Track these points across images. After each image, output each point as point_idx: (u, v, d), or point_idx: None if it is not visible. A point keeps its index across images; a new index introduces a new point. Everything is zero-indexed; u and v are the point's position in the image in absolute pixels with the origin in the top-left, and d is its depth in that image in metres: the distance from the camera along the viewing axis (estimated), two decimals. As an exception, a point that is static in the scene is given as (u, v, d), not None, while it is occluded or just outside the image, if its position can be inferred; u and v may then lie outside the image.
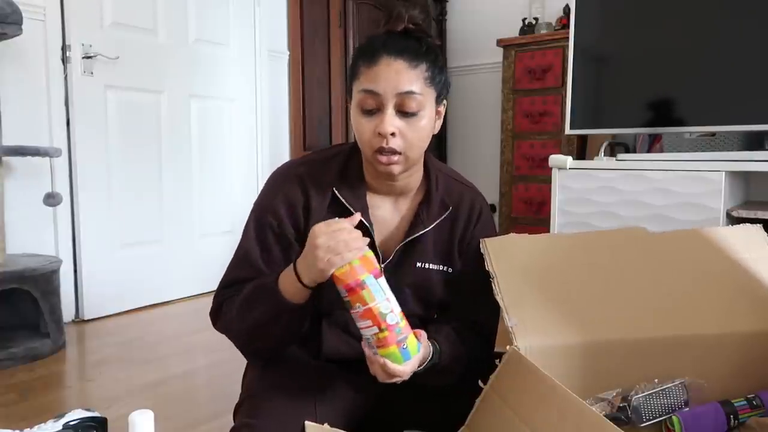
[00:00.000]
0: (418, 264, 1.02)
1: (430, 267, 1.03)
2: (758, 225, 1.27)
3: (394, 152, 0.91)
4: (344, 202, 0.97)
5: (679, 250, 1.13)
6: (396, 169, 0.94)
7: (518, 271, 1.10)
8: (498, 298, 1.05)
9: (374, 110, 0.91)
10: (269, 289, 0.90)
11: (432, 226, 1.02)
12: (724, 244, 1.22)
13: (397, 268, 1.01)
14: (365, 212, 0.98)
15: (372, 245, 0.98)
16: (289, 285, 0.89)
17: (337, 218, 0.87)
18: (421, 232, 1.01)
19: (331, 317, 1.02)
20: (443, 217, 1.03)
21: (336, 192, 0.98)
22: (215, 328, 1.02)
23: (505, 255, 1.12)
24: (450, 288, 1.05)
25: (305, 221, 0.98)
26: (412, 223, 1.02)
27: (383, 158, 0.92)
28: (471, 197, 1.08)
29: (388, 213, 1.03)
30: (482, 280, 1.03)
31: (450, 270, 1.05)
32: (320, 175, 0.99)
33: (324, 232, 0.83)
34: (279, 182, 1.01)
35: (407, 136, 0.91)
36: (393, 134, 0.90)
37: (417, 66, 0.91)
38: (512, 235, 1.15)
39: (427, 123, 0.94)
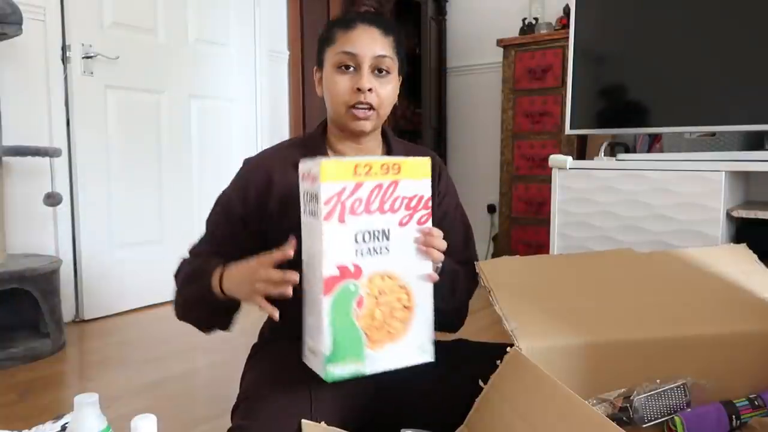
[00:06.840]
0: None
1: None
2: (743, 244, 1.31)
3: (370, 107, 1.00)
4: None
5: (671, 264, 1.14)
6: (368, 125, 1.02)
7: (513, 286, 1.12)
8: (496, 307, 1.07)
9: (351, 69, 1.00)
10: (205, 273, 1.00)
11: None
12: (715, 260, 1.24)
13: None
14: None
15: None
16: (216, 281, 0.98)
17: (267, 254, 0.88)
18: None
19: None
20: None
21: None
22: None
23: (499, 274, 1.16)
24: None
25: (262, 198, 1.04)
26: None
27: (359, 113, 1.00)
28: (427, 155, 1.10)
29: None
30: (463, 232, 1.16)
31: None
32: (285, 155, 1.05)
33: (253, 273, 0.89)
34: (241, 171, 1.10)
35: (381, 93, 1.01)
36: (370, 90, 0.99)
37: (388, 35, 1.03)
38: (505, 257, 1.20)
39: (395, 85, 1.05)
